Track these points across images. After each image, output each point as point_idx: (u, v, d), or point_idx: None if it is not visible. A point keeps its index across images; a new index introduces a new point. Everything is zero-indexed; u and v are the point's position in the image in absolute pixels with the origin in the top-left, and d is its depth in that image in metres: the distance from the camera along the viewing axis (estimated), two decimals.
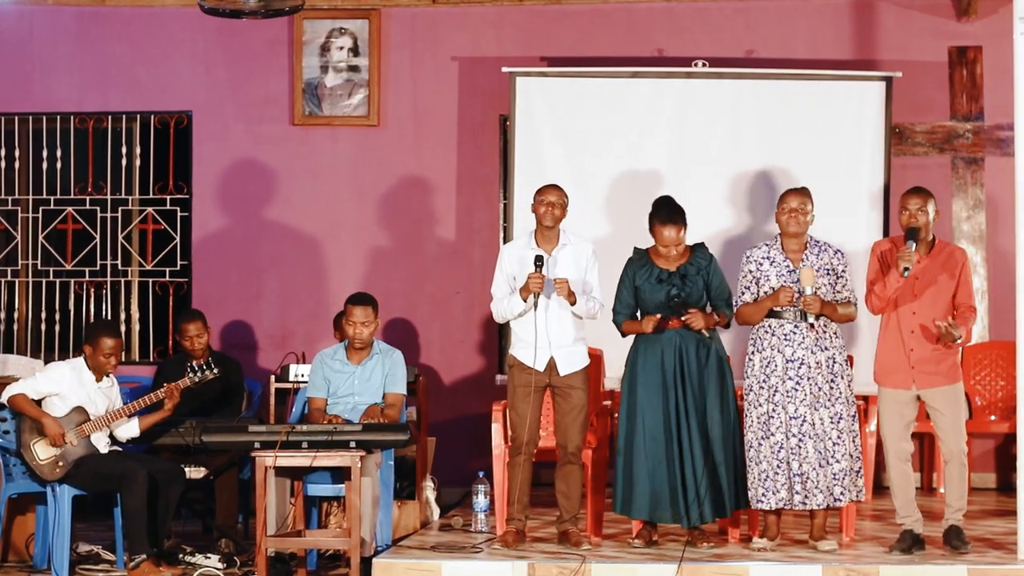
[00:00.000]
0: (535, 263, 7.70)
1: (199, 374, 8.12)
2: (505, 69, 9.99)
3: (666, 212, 7.75)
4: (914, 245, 7.42)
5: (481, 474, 8.45)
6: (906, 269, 7.37)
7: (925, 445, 10.29)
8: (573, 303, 7.74)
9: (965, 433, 7.60)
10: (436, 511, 9.02)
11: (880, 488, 9.78)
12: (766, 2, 10.73)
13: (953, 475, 7.56)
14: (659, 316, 7.67)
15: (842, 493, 7.57)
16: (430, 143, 10.84)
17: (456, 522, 8.65)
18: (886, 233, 9.59)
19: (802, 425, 7.55)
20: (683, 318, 7.62)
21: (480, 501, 8.36)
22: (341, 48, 10.81)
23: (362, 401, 8.09)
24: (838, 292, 7.69)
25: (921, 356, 7.51)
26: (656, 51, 10.67)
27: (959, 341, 7.45)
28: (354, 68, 10.80)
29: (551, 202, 7.83)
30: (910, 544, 7.47)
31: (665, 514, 7.66)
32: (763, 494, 7.60)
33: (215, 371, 8.16)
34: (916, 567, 7.20)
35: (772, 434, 7.58)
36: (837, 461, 7.56)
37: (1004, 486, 10.28)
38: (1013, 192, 7.38)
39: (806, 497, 7.54)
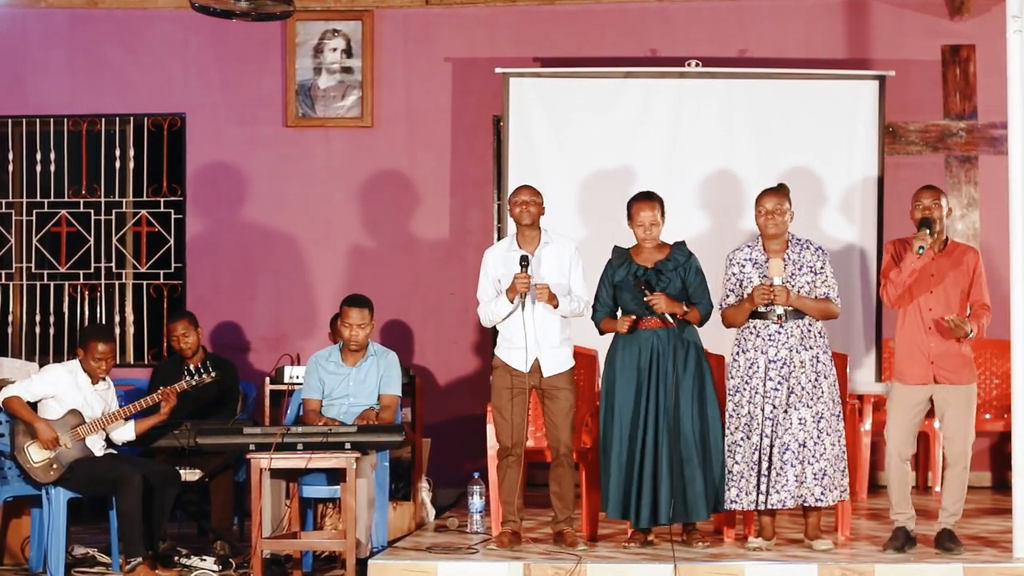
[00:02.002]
0: (520, 263, 7.69)
1: (196, 377, 8.11)
2: (498, 70, 9.98)
3: (643, 194, 7.81)
4: (928, 232, 7.44)
5: (476, 475, 8.44)
6: (921, 247, 7.36)
7: (921, 445, 10.29)
8: (556, 307, 7.74)
9: (973, 436, 7.58)
10: (431, 512, 9.02)
11: (875, 487, 9.79)
12: (759, 2, 10.74)
13: (955, 479, 7.53)
14: (633, 317, 7.67)
15: (823, 493, 7.54)
16: (423, 144, 10.84)
17: (452, 523, 8.65)
18: (879, 233, 9.59)
19: (781, 424, 7.53)
20: (645, 298, 7.61)
21: (475, 502, 8.36)
22: (334, 50, 10.81)
23: (357, 402, 8.09)
24: (817, 288, 7.67)
25: (940, 352, 7.50)
26: (649, 51, 10.68)
27: (971, 335, 7.46)
28: (347, 69, 10.80)
29: (524, 201, 7.84)
30: (903, 542, 7.47)
31: (631, 514, 7.65)
32: (737, 495, 7.59)
33: (213, 375, 8.15)
34: (911, 566, 7.20)
35: (752, 434, 7.58)
36: (817, 460, 7.53)
37: (999, 484, 10.28)
38: (1007, 190, 7.38)
39: (779, 496, 7.51)
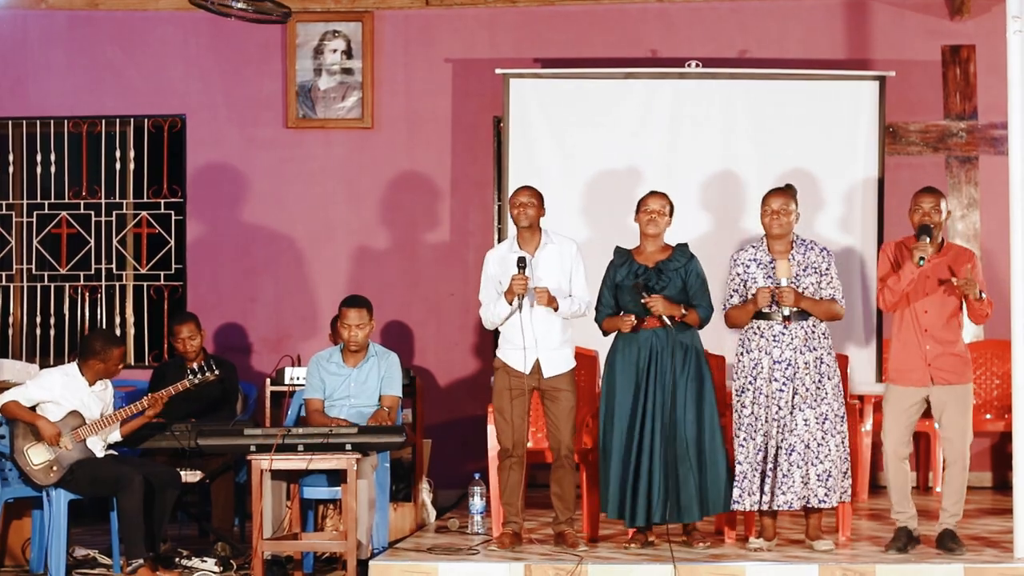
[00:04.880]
0: (518, 265, 7.70)
1: (199, 376, 8.11)
2: (498, 71, 9.98)
3: (654, 190, 7.88)
4: (928, 239, 7.44)
5: (477, 476, 8.44)
6: (921, 259, 7.36)
7: (922, 445, 10.29)
8: (556, 309, 7.75)
9: (971, 435, 7.59)
10: (432, 513, 9.02)
11: (876, 488, 9.79)
12: (759, 2, 10.74)
13: (954, 478, 7.53)
14: (634, 317, 7.66)
15: (827, 494, 7.53)
16: (424, 145, 10.84)
17: (452, 524, 8.65)
18: (880, 233, 9.59)
19: (787, 425, 7.54)
20: (642, 301, 7.61)
21: (476, 503, 8.36)
22: (334, 51, 10.81)
23: (358, 403, 8.10)
24: (823, 290, 7.67)
25: (937, 353, 7.50)
26: (649, 52, 10.68)
27: (983, 297, 7.40)
28: (347, 71, 10.80)
29: (523, 203, 7.84)
30: (905, 542, 7.47)
31: (626, 513, 7.65)
32: (740, 495, 7.59)
33: (215, 372, 8.15)
34: (912, 566, 7.20)
35: (757, 435, 7.58)
36: (821, 462, 7.53)
37: (1000, 485, 10.29)
38: (1007, 191, 7.38)
39: (786, 498, 7.51)
